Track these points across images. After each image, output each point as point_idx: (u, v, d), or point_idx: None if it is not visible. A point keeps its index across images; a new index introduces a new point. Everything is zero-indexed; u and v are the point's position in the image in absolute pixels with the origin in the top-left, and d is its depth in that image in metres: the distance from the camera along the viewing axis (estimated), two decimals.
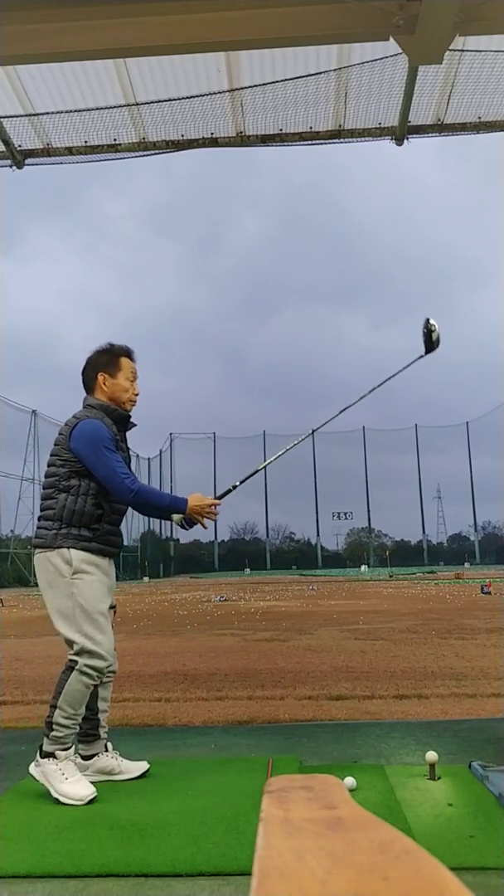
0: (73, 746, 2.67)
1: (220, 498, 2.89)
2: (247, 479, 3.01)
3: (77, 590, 2.65)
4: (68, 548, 2.68)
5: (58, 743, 2.57)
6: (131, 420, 2.99)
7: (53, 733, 2.57)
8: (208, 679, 5.28)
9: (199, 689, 4.88)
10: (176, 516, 2.79)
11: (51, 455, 2.83)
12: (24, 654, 7.21)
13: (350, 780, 2.53)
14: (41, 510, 2.79)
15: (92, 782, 2.62)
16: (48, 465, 2.82)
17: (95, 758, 2.80)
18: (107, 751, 2.84)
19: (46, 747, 2.59)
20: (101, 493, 2.75)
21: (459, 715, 3.88)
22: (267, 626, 10.01)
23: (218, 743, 3.36)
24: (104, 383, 2.90)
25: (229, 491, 2.95)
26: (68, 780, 2.53)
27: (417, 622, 9.84)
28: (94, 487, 2.74)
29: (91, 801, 2.49)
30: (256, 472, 3.05)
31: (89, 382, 2.94)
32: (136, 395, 2.97)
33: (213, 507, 2.84)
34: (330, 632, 8.80)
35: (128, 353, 2.98)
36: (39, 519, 2.79)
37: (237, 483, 2.99)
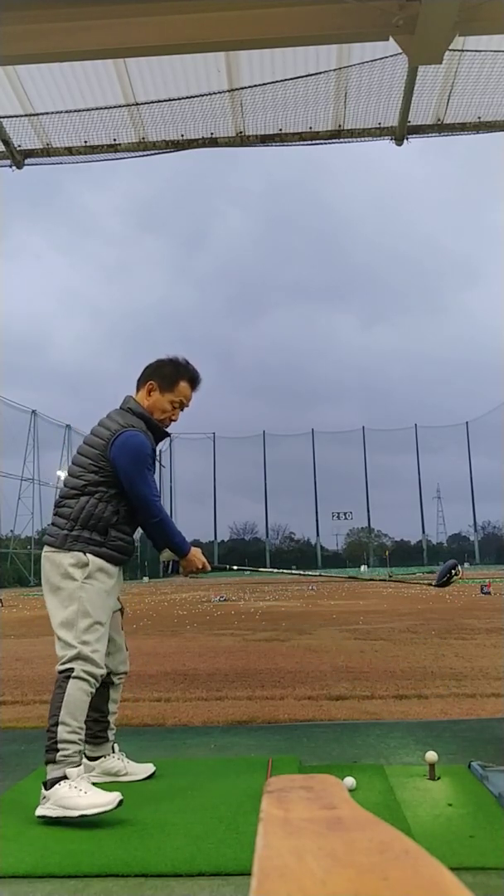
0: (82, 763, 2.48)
1: (214, 569, 2.97)
2: (247, 570, 3.28)
3: (85, 595, 2.57)
4: (83, 551, 2.62)
5: (67, 763, 2.39)
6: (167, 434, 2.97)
7: (60, 753, 2.39)
8: (208, 679, 5.28)
9: (198, 689, 4.88)
10: (167, 553, 2.84)
11: (81, 454, 2.75)
12: (24, 654, 7.21)
13: (350, 780, 2.53)
14: (57, 507, 2.73)
15: (97, 783, 2.55)
16: (76, 464, 2.74)
17: (102, 759, 2.78)
18: (113, 752, 2.82)
19: (54, 773, 2.38)
20: (121, 500, 2.71)
21: (459, 715, 3.88)
22: (266, 626, 10.01)
23: (217, 743, 3.36)
24: (150, 392, 2.85)
25: (224, 568, 3.20)
26: (88, 794, 2.33)
27: (417, 622, 9.85)
28: (116, 495, 2.70)
29: (120, 804, 2.31)
30: (259, 571, 3.47)
31: (141, 381, 2.89)
32: (174, 420, 2.92)
33: (204, 567, 2.86)
34: (329, 632, 8.80)
35: (191, 380, 2.91)
36: (54, 516, 2.73)
37: (235, 567, 3.28)
